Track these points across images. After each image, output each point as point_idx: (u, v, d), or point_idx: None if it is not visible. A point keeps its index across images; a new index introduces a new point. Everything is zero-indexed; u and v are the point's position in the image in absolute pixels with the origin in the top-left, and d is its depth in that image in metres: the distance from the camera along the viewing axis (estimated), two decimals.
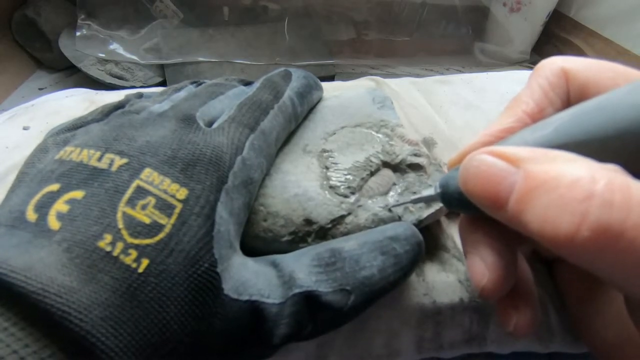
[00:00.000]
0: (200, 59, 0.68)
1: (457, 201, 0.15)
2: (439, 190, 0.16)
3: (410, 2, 0.79)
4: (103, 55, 0.65)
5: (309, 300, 0.15)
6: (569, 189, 0.10)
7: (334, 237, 0.19)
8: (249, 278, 0.15)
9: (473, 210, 0.13)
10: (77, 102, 0.31)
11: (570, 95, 0.16)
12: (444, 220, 0.23)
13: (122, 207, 0.13)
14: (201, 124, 0.18)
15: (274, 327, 0.15)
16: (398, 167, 0.21)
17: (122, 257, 0.12)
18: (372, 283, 0.16)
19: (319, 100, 0.26)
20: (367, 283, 0.16)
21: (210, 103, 0.20)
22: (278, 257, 0.17)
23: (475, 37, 0.86)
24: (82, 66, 0.63)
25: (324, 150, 0.22)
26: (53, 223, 0.13)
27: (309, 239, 0.19)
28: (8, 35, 0.65)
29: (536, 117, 0.15)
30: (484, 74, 0.38)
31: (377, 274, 0.16)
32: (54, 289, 0.11)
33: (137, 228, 0.13)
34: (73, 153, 0.15)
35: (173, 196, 0.14)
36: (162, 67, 0.67)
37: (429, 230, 0.23)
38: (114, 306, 0.12)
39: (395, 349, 0.20)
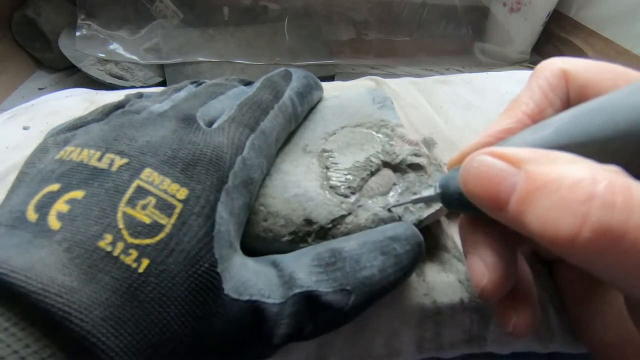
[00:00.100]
0: (200, 59, 0.68)
1: (457, 202, 0.15)
2: (439, 191, 0.16)
3: (410, 2, 0.79)
4: (103, 55, 0.65)
5: (309, 300, 0.15)
6: (570, 190, 0.10)
7: (334, 237, 0.19)
8: (250, 278, 0.15)
9: (473, 210, 0.13)
10: (77, 102, 0.31)
11: (570, 96, 0.16)
12: (444, 221, 0.23)
13: (123, 207, 0.13)
14: (201, 124, 0.18)
15: (275, 327, 0.15)
16: (398, 167, 0.21)
17: (122, 257, 0.12)
18: (373, 283, 0.16)
19: (319, 100, 0.26)
20: (367, 283, 0.16)
21: (211, 103, 0.20)
22: (278, 257, 0.17)
23: (475, 37, 0.86)
24: (82, 66, 0.63)
25: (324, 150, 0.22)
26: (53, 223, 0.13)
27: (309, 239, 0.19)
28: (8, 35, 0.65)
29: (536, 118, 0.15)
30: (484, 74, 0.38)
31: (377, 274, 0.16)
32: (54, 289, 0.11)
33: (137, 228, 0.13)
34: (73, 153, 0.15)
35: (173, 196, 0.14)
36: (162, 67, 0.67)
37: (429, 230, 0.23)
38: (114, 306, 0.12)
39: (396, 349, 0.20)
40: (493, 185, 0.12)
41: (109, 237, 0.13)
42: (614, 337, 0.17)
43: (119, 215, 0.13)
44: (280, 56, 0.71)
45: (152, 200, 0.14)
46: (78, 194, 0.14)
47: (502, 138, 0.16)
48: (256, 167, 0.18)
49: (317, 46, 0.75)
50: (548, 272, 0.22)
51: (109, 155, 0.15)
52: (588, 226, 0.09)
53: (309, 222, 0.19)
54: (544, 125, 0.13)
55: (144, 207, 0.14)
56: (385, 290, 0.17)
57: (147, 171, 0.15)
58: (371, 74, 0.46)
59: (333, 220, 0.19)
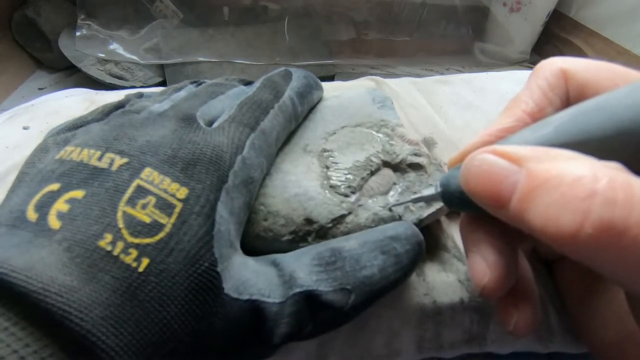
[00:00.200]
0: (200, 59, 0.68)
1: (458, 200, 0.15)
2: (439, 190, 0.16)
3: (410, 2, 0.79)
4: (103, 55, 0.65)
5: (309, 300, 0.15)
6: (571, 187, 0.10)
7: (334, 236, 0.19)
8: (250, 277, 0.15)
9: (474, 209, 0.13)
10: (77, 102, 0.31)
11: (570, 95, 0.16)
12: (444, 220, 0.23)
13: (123, 207, 0.13)
14: (201, 123, 0.18)
15: (275, 327, 0.15)
16: (398, 167, 0.21)
17: (122, 256, 0.12)
18: (373, 282, 0.16)
19: (319, 100, 0.26)
20: (367, 282, 0.16)
21: (211, 103, 0.20)
22: (278, 257, 0.17)
23: (475, 37, 0.86)
24: (82, 66, 0.63)
25: (324, 150, 0.22)
26: (53, 222, 0.13)
27: (310, 239, 0.19)
28: (8, 35, 0.65)
29: (536, 116, 0.15)
30: (484, 74, 0.38)
31: (377, 274, 0.16)
32: (54, 288, 0.11)
33: (137, 227, 0.13)
34: (73, 153, 0.15)
35: (173, 195, 0.14)
36: (162, 67, 0.67)
37: (429, 230, 0.23)
38: (114, 305, 0.12)
39: (396, 349, 0.20)
40: (494, 184, 0.12)
41: (109, 237, 0.13)
42: (615, 336, 0.17)
43: (119, 214, 0.13)
44: (280, 56, 0.71)
45: (152, 199, 0.14)
46: (78, 193, 0.14)
47: (502, 137, 0.16)
48: (256, 167, 0.18)
49: (317, 46, 0.75)
50: (548, 272, 0.22)
51: (109, 155, 0.15)
52: (590, 222, 0.09)
53: (309, 221, 0.19)
54: (544, 124, 0.14)
55: (144, 207, 0.14)
56: (385, 290, 0.17)
57: (147, 170, 0.15)
58: (371, 74, 0.46)
59: (333, 220, 0.19)
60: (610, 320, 0.17)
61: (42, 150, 0.18)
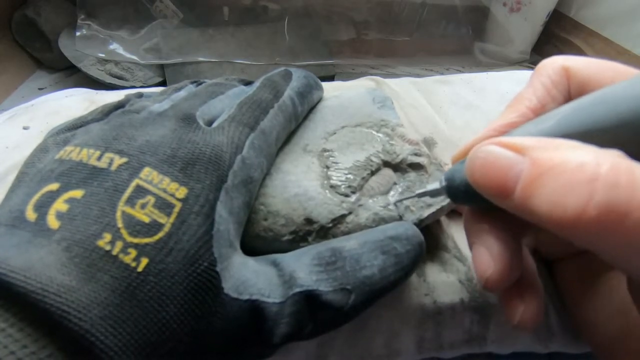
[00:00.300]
0: (200, 59, 0.68)
1: (463, 194, 0.15)
2: (444, 184, 0.16)
3: (410, 2, 0.79)
4: (103, 55, 0.65)
5: (309, 300, 0.15)
6: (575, 172, 0.10)
7: (334, 236, 0.19)
8: (249, 277, 0.15)
9: (479, 202, 0.14)
10: (77, 102, 0.31)
11: (571, 92, 0.16)
12: (444, 221, 0.23)
13: (122, 206, 0.13)
14: (201, 123, 0.18)
15: (274, 327, 0.15)
16: (399, 167, 0.21)
17: (121, 256, 0.12)
18: (373, 282, 0.16)
19: (319, 100, 0.26)
20: (367, 282, 0.16)
21: (210, 102, 0.20)
22: (278, 257, 0.17)
23: (475, 37, 0.86)
24: (82, 66, 0.63)
25: (325, 150, 0.22)
26: (52, 222, 0.13)
27: (310, 238, 0.19)
28: (8, 35, 0.65)
29: (539, 112, 0.16)
30: (484, 74, 0.38)
31: (377, 274, 0.16)
32: (53, 288, 0.11)
33: (136, 227, 0.13)
34: (73, 152, 0.15)
35: (172, 195, 0.14)
36: (162, 67, 0.67)
37: (430, 230, 0.23)
38: (113, 305, 0.12)
39: (396, 349, 0.20)
40: (500, 174, 0.12)
41: (108, 236, 0.13)
42: (616, 332, 0.17)
43: (118, 214, 0.13)
44: (280, 56, 0.71)
45: (151, 199, 0.14)
46: (77, 193, 0.14)
47: (505, 132, 0.16)
48: (256, 167, 0.18)
49: (317, 46, 0.75)
50: (548, 272, 0.22)
51: (108, 155, 0.15)
52: (593, 205, 0.09)
53: (309, 221, 0.19)
54: (547, 117, 0.14)
55: (143, 206, 0.14)
56: (385, 290, 0.17)
57: (146, 170, 0.15)
58: (371, 74, 0.46)
59: (333, 220, 0.19)
60: (611, 316, 0.17)
61: (41, 150, 0.18)
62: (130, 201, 0.14)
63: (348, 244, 0.17)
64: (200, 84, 0.23)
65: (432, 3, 0.80)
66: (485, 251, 0.14)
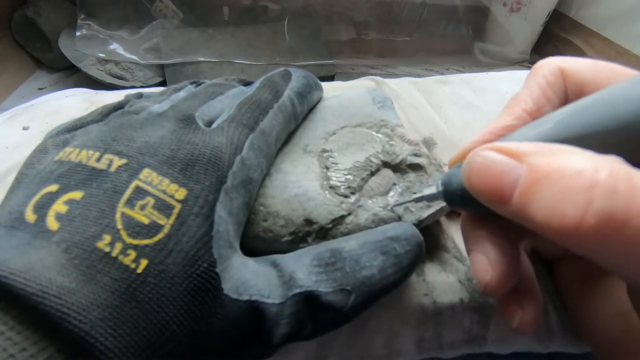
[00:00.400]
0: (200, 59, 0.68)
1: (459, 198, 0.15)
2: (441, 188, 0.16)
3: (410, 2, 0.79)
4: (103, 55, 0.65)
5: (309, 300, 0.15)
6: (573, 179, 0.10)
7: (334, 237, 0.19)
8: (249, 278, 0.15)
9: (476, 207, 0.13)
10: (77, 102, 0.31)
11: (568, 94, 0.16)
12: (444, 221, 0.23)
13: (121, 208, 0.13)
14: (200, 124, 0.18)
15: (274, 327, 0.15)
16: (398, 167, 0.21)
17: (121, 257, 0.12)
18: (373, 283, 0.16)
19: (319, 100, 0.26)
20: (367, 283, 0.16)
21: (210, 103, 0.20)
22: (278, 257, 0.17)
23: (475, 37, 0.86)
24: (82, 66, 0.63)
25: (324, 150, 0.22)
26: (52, 224, 0.13)
27: (309, 239, 0.19)
28: (8, 35, 0.65)
29: (535, 115, 0.16)
30: (484, 74, 0.38)
31: (377, 274, 0.16)
32: (53, 290, 0.11)
33: (135, 228, 0.13)
34: (72, 154, 0.15)
35: (172, 196, 0.14)
36: (162, 67, 0.67)
37: (429, 231, 0.23)
38: (113, 307, 0.12)
39: (396, 349, 0.20)
40: (496, 180, 0.12)
41: (107, 238, 0.13)
42: (617, 333, 0.17)
43: (118, 215, 0.13)
44: (280, 56, 0.71)
45: (150, 200, 0.14)
46: (77, 194, 0.14)
47: (502, 135, 0.16)
48: (255, 167, 0.18)
49: (317, 46, 0.75)
50: (548, 272, 0.22)
51: (108, 156, 0.15)
52: (592, 213, 0.09)
53: (309, 222, 0.19)
54: (544, 121, 0.14)
55: (142, 208, 0.14)
56: (385, 290, 0.17)
57: (145, 171, 0.15)
58: (371, 74, 0.46)
59: (333, 220, 0.19)
60: (611, 318, 0.17)
61: (41, 151, 0.18)
62: (130, 202, 0.14)
63: (348, 244, 0.17)
64: (200, 84, 0.23)
65: (432, 3, 0.80)
66: (483, 257, 0.14)
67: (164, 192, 0.14)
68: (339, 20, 0.80)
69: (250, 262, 0.16)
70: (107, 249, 0.12)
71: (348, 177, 0.20)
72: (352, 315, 0.16)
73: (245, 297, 0.15)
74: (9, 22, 0.64)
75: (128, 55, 0.66)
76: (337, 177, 0.20)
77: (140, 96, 0.22)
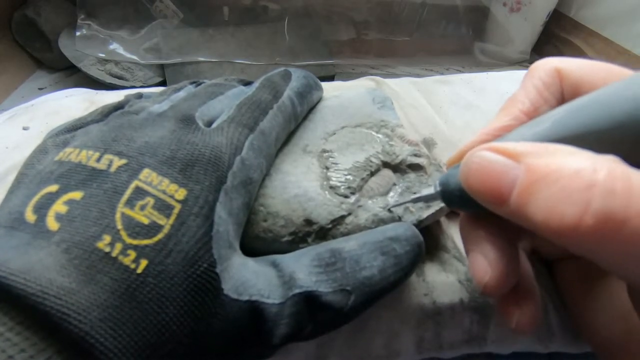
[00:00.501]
0: (200, 59, 0.68)
1: (457, 199, 0.15)
2: (439, 189, 0.16)
3: (410, 2, 0.79)
4: (103, 55, 0.65)
5: (309, 301, 0.15)
6: (571, 179, 0.10)
7: (334, 237, 0.19)
8: (249, 278, 0.15)
9: (474, 207, 0.13)
10: (77, 102, 0.31)
11: (564, 94, 0.16)
12: (444, 221, 0.23)
13: (121, 208, 0.13)
14: (200, 124, 0.18)
15: (274, 327, 0.15)
16: (398, 168, 0.21)
17: (120, 257, 0.12)
18: (373, 283, 0.16)
19: (319, 100, 0.26)
20: (367, 283, 0.16)
21: (210, 103, 0.20)
22: (278, 258, 0.17)
23: (475, 37, 0.86)
24: (82, 66, 0.63)
25: (324, 151, 0.22)
26: (52, 224, 0.13)
27: (309, 240, 0.19)
28: (8, 35, 0.65)
29: (532, 115, 0.16)
30: (484, 74, 0.38)
31: (377, 275, 0.16)
32: (53, 290, 0.11)
33: (135, 229, 0.13)
34: (72, 154, 0.15)
35: (172, 197, 0.14)
36: (162, 67, 0.67)
37: (429, 231, 0.23)
38: (112, 307, 0.12)
39: (395, 350, 0.20)
40: (494, 180, 0.12)
41: (107, 238, 0.13)
42: (618, 333, 0.17)
43: (118, 216, 0.13)
44: (280, 56, 0.71)
45: (150, 200, 0.14)
46: (77, 194, 0.14)
47: (499, 135, 0.16)
48: (255, 167, 0.18)
49: (317, 46, 0.75)
50: (548, 272, 0.22)
51: (108, 156, 0.15)
52: (590, 213, 0.09)
53: (308, 222, 0.19)
54: (541, 120, 0.14)
55: (142, 208, 0.14)
56: (385, 291, 0.17)
57: (145, 172, 0.15)
58: (371, 74, 0.46)
59: (333, 221, 0.19)
60: (612, 318, 0.17)
61: (41, 151, 0.18)
62: (130, 203, 0.14)
63: (347, 245, 0.17)
64: (200, 84, 0.23)
65: (432, 3, 0.80)
66: (482, 258, 0.14)
67: (164, 192, 0.14)
68: (339, 20, 0.80)
69: (250, 262, 0.16)
70: (107, 249, 0.12)
71: (348, 177, 0.20)
72: (352, 316, 0.16)
73: (245, 297, 0.15)
74: (9, 22, 0.64)
75: (128, 55, 0.66)
76: (337, 178, 0.20)
77: (140, 96, 0.22)
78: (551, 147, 0.11)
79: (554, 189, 0.10)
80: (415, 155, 0.22)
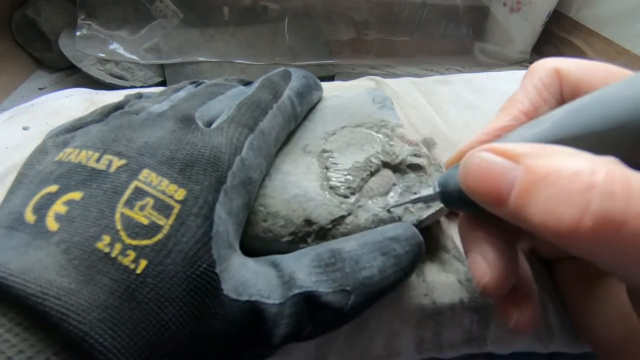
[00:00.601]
0: (200, 59, 0.68)
1: (456, 199, 0.15)
2: (438, 190, 0.16)
3: (410, 2, 0.79)
4: (103, 55, 0.65)
5: (309, 301, 0.15)
6: (570, 181, 0.10)
7: (334, 237, 0.19)
8: (249, 278, 0.15)
9: (473, 208, 0.13)
10: (77, 102, 0.31)
11: (564, 94, 0.16)
12: (444, 221, 0.23)
13: (121, 208, 0.13)
14: (200, 124, 0.18)
15: (274, 328, 0.15)
16: (398, 168, 0.21)
17: (120, 258, 0.12)
18: (372, 283, 0.16)
19: (319, 100, 0.26)
20: (367, 283, 0.16)
21: (210, 103, 0.19)
22: (278, 258, 0.17)
23: (475, 37, 0.86)
24: (82, 66, 0.63)
25: (324, 151, 0.22)
26: (51, 224, 0.13)
27: (309, 240, 0.19)
28: (8, 35, 0.65)
29: (531, 115, 0.16)
30: (484, 74, 0.38)
31: (377, 275, 0.16)
32: (52, 291, 0.11)
33: (135, 229, 0.13)
34: (72, 154, 0.15)
35: (171, 197, 0.14)
36: (162, 67, 0.67)
37: (429, 231, 0.23)
38: (112, 307, 0.12)
39: (395, 350, 0.20)
40: (493, 181, 0.12)
41: (106, 239, 0.13)
42: (617, 334, 0.17)
43: (117, 216, 0.13)
44: (280, 56, 0.71)
45: (150, 201, 0.14)
46: (76, 195, 0.14)
47: (498, 136, 0.16)
48: (255, 167, 0.18)
49: (317, 46, 0.75)
50: (548, 272, 0.22)
51: (107, 157, 0.15)
52: (589, 215, 0.09)
53: (308, 222, 0.19)
54: (541, 121, 0.14)
55: (142, 208, 0.14)
56: (385, 291, 0.17)
57: (145, 172, 0.15)
58: (371, 74, 0.46)
59: (333, 221, 0.19)
60: (612, 318, 0.17)
61: (41, 151, 0.18)
62: (129, 203, 0.14)
63: (347, 245, 0.17)
64: (200, 84, 0.23)
65: (432, 3, 0.80)
66: (481, 259, 0.14)
67: (164, 192, 0.14)
68: (339, 20, 0.80)
69: (250, 263, 0.16)
70: (107, 250, 0.12)
71: (348, 177, 0.20)
72: (352, 316, 0.16)
73: (244, 298, 0.15)
74: (9, 22, 0.64)
75: (128, 55, 0.66)
76: (337, 178, 0.20)
77: (140, 96, 0.22)
78: (550, 148, 0.11)
79: (552, 191, 0.10)
80: (415, 155, 0.22)
